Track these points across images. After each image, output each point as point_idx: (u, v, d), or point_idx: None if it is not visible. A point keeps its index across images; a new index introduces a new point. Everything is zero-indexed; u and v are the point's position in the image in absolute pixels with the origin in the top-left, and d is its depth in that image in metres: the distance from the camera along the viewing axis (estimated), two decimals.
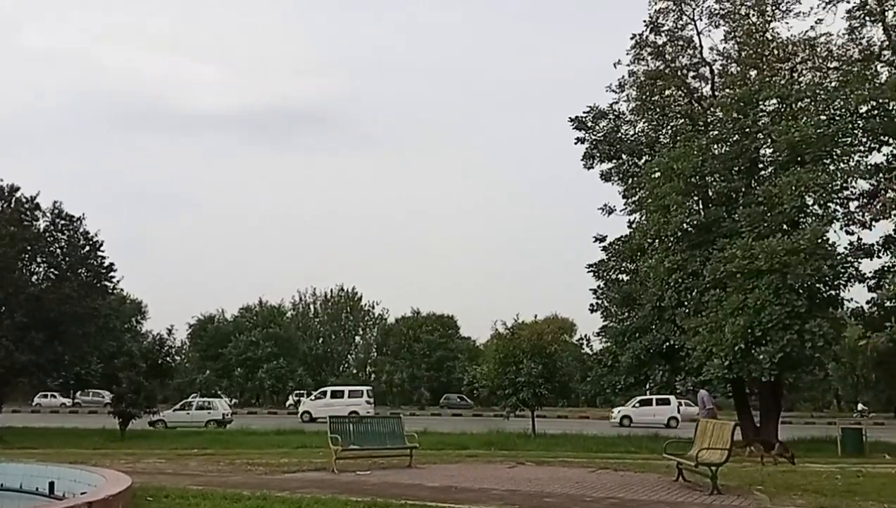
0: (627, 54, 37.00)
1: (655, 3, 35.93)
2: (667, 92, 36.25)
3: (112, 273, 38.89)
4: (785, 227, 29.33)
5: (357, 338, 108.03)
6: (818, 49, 32.83)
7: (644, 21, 36.33)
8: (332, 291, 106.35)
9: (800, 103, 32.08)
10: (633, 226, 35.45)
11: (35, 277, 37.57)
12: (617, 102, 37.20)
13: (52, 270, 37.63)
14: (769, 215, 29.39)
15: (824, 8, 32.41)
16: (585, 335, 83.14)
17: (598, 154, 37.14)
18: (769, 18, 34.12)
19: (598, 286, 36.72)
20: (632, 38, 36.60)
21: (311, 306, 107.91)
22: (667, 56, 36.38)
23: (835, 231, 29.99)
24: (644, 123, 36.73)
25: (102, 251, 38.12)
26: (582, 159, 37.41)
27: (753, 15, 34.48)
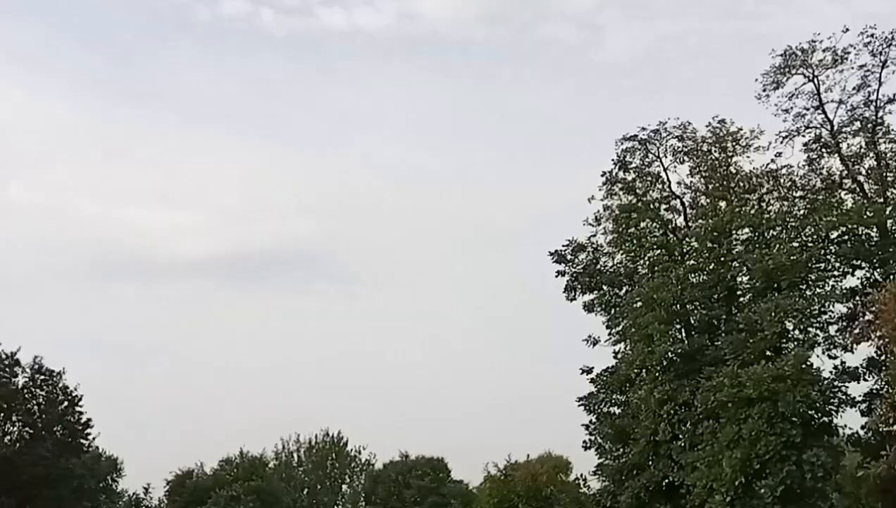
0: (600, 190, 38.34)
1: (622, 143, 37.59)
2: (642, 224, 37.31)
3: (88, 429, 37.87)
4: (768, 353, 29.51)
5: (344, 487, 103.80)
6: (782, 180, 34.34)
7: (612, 159, 37.91)
8: (316, 436, 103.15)
9: (771, 232, 33.16)
10: (619, 356, 35.43)
11: (8, 437, 36.40)
12: (594, 235, 38.24)
13: (26, 429, 36.57)
14: (751, 341, 29.64)
15: (782, 142, 34.22)
16: (582, 474, 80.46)
17: (580, 286, 37.71)
18: (731, 154, 35.83)
19: (591, 421, 36.24)
20: (602, 176, 38.04)
21: (295, 455, 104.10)
22: (637, 190, 37.74)
23: (818, 356, 30.23)
24: (622, 254, 37.56)
25: (80, 406, 37.32)
26: (564, 292, 37.93)
27: (715, 151, 36.23)
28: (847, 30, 32.53)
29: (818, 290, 30.97)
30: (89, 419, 37.82)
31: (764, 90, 34.02)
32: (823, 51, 33.05)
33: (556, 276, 38.07)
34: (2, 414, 36.26)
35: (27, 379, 37.43)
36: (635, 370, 34.03)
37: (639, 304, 33.59)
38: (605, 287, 37.47)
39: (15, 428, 36.62)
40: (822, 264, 31.80)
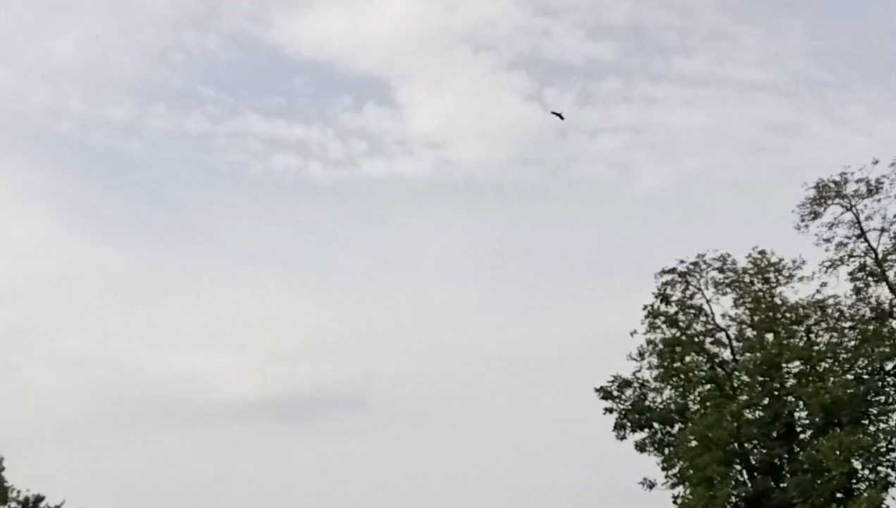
0: (642, 324, 38.09)
1: (662, 276, 37.69)
2: (687, 358, 36.84)
3: None
4: (839, 495, 28.35)
5: None
6: (829, 310, 34.04)
7: (653, 292, 37.89)
8: None
9: (823, 364, 32.56)
10: (679, 502, 34.07)
11: None
12: (639, 371, 37.72)
13: None
14: (819, 483, 28.60)
15: (826, 272, 34.13)
16: None
17: (629, 424, 36.87)
18: (774, 285, 35.75)
19: None
20: (644, 309, 37.91)
21: None
22: (681, 324, 37.47)
23: (893, 497, 28.89)
24: (671, 389, 36.90)
25: None
26: (613, 430, 37.08)
27: (758, 282, 36.18)
28: (877, 162, 33.13)
29: (882, 425, 30.06)
30: None
31: (802, 220, 34.29)
32: (857, 182, 33.53)
33: (604, 413, 37.36)
34: None
35: None
36: None
37: (694, 443, 32.67)
38: (655, 425, 36.61)
39: None
40: (882, 398, 30.99)
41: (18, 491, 36.76)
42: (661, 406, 36.90)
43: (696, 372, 36.84)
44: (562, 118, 42.04)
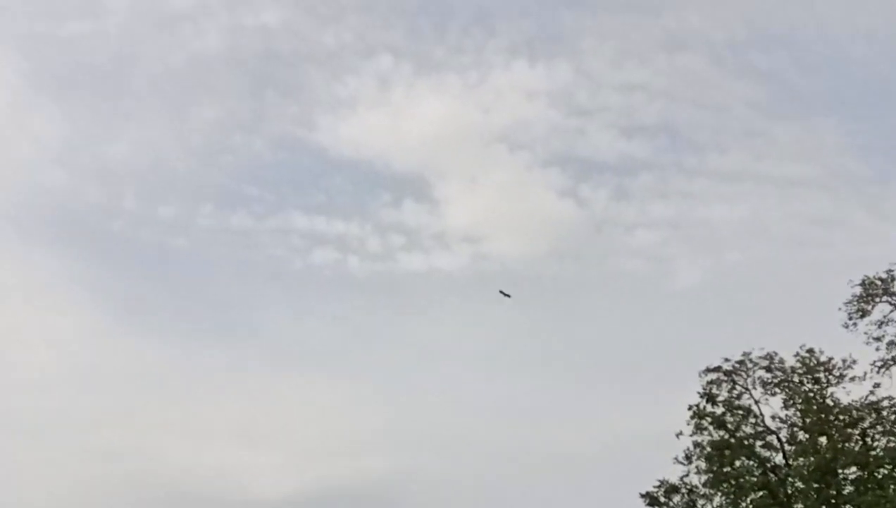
0: (688, 424, 36.97)
1: (707, 375, 36.81)
2: (737, 463, 35.46)
3: None
4: None
5: None
6: (885, 413, 32.75)
7: (698, 392, 36.95)
8: None
9: (882, 470, 31.06)
10: None
11: None
12: (687, 475, 36.29)
13: None
14: None
15: (878, 372, 33.05)
16: None
17: None
18: (825, 385, 34.65)
19: None
20: (689, 409, 36.88)
21: None
22: (729, 425, 36.29)
23: None
24: (721, 496, 35.39)
25: None
26: None
27: (808, 382, 35.11)
28: None
29: None
30: None
31: (850, 318, 33.54)
32: None
33: None
34: None
35: None
36: None
37: None
38: None
39: None
40: None
41: None
42: None
43: (747, 478, 35.32)
44: (508, 296, 45.64)
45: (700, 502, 35.75)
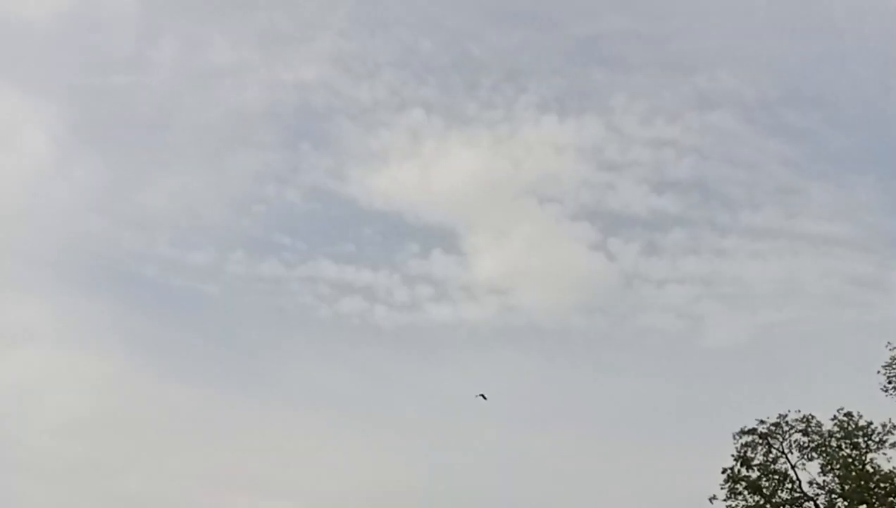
0: (721, 488, 36.03)
1: (741, 437, 36.05)
2: None
3: None
4: None
5: None
6: None
7: (732, 455, 36.12)
8: None
9: None
10: None
11: None
12: None
13: None
14: None
15: None
16: None
17: None
18: (864, 450, 33.70)
19: None
20: (723, 473, 36.02)
21: None
22: (764, 490, 35.31)
23: None
24: None
25: None
26: None
27: (846, 447, 34.16)
28: None
29: None
30: None
31: (889, 382, 32.83)
32: None
33: None
34: None
35: None
36: None
37: None
38: None
39: None
40: None
41: None
42: None
43: None
44: (484, 398, 46.34)
45: None
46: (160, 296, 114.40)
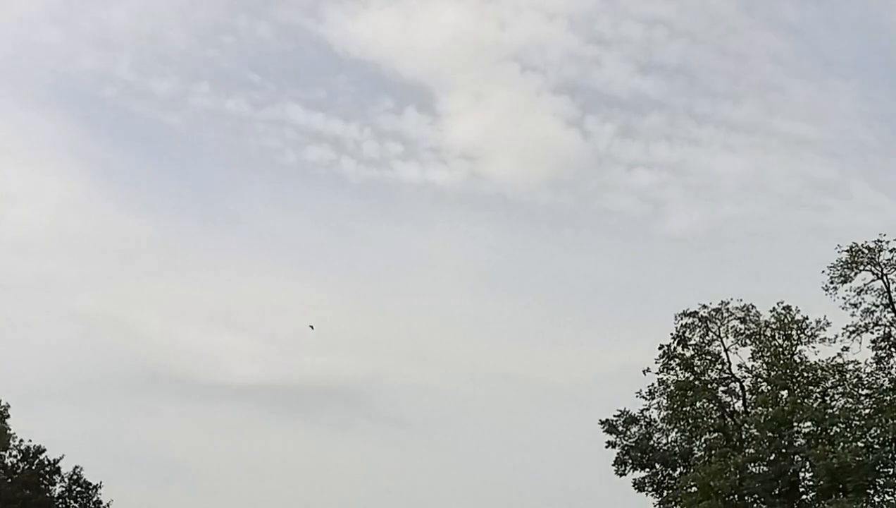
0: (656, 363, 37.87)
1: (682, 319, 37.50)
2: (698, 404, 36.62)
3: None
4: None
5: None
6: (848, 376, 33.68)
7: (671, 333, 37.70)
8: None
9: (835, 428, 32.24)
10: None
11: None
12: (648, 409, 37.56)
13: None
14: None
15: (849, 336, 33.79)
16: None
17: (631, 461, 36.74)
18: (795, 342, 35.47)
19: None
20: (660, 349, 37.70)
21: None
22: (696, 368, 37.25)
23: None
24: (677, 432, 36.73)
25: None
26: (613, 465, 36.96)
27: (779, 337, 35.90)
28: None
29: (888, 497, 29.67)
30: None
31: (831, 282, 33.96)
32: (891, 251, 33.23)
33: (607, 447, 37.27)
34: None
35: (64, 489, 37.27)
36: None
37: (694, 489, 32.44)
38: (657, 465, 36.47)
39: None
40: (891, 469, 30.60)
41: (21, 440, 37.46)
42: (666, 448, 36.73)
43: (704, 419, 36.61)
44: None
45: (656, 436, 37.09)
46: (120, 121, 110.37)
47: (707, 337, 37.13)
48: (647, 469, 36.58)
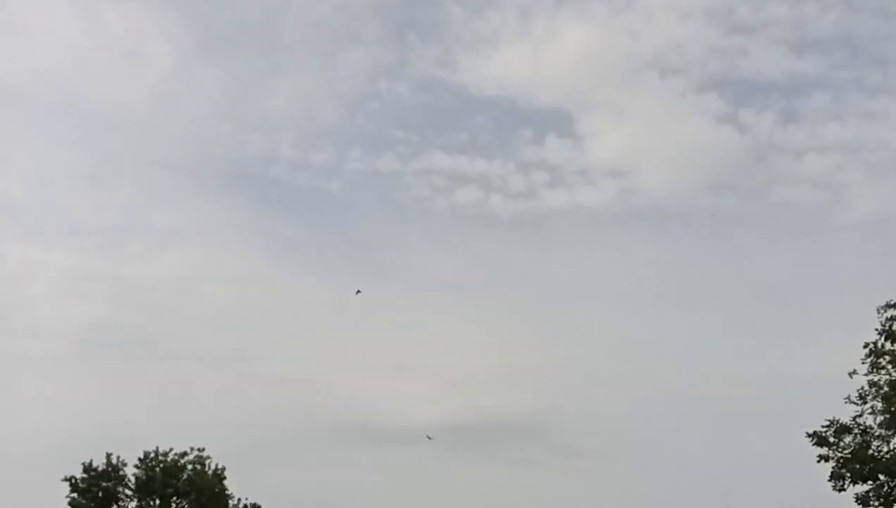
0: (863, 363, 34.57)
1: (886, 311, 34.09)
2: None
3: None
4: None
5: None
6: None
7: (876, 329, 34.33)
8: None
9: None
10: None
11: None
12: (861, 416, 34.10)
13: None
14: None
15: None
16: None
17: (849, 474, 33.41)
18: None
19: None
20: (865, 347, 34.42)
21: None
22: None
23: None
24: None
25: None
26: (830, 480, 33.83)
27: None
28: None
29: None
30: None
31: None
32: None
33: (818, 461, 34.12)
34: None
35: None
36: None
37: None
38: (881, 476, 32.88)
39: None
40: None
41: (239, 500, 40.18)
42: (889, 456, 33.09)
43: None
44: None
45: (875, 444, 33.57)
46: (287, 196, 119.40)
47: None
48: (871, 482, 33.08)
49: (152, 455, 45.70)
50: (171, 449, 45.99)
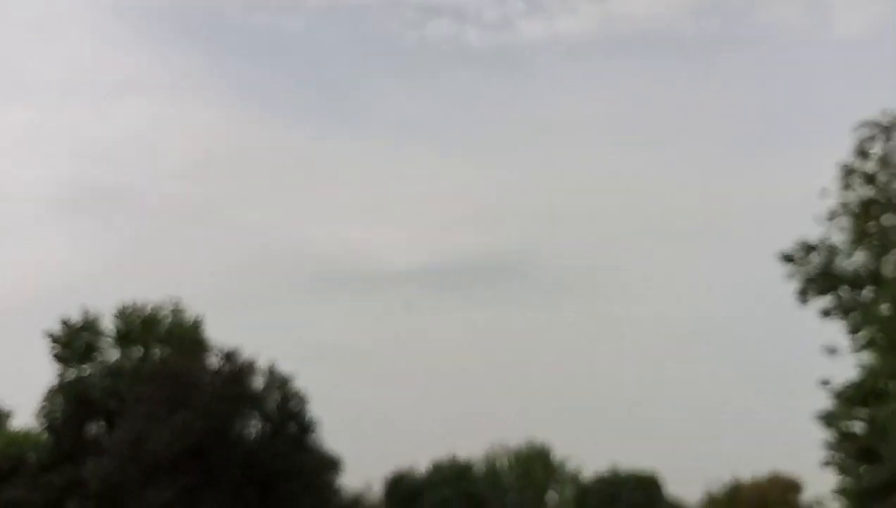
0: (835, 183, 34.81)
1: (861, 130, 33.95)
2: (884, 220, 33.37)
3: (315, 429, 40.68)
4: None
5: (549, 495, 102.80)
6: None
7: (851, 150, 34.33)
8: (521, 447, 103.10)
9: None
10: (864, 368, 31.92)
11: (254, 431, 40.17)
12: (828, 234, 34.76)
13: (268, 423, 40.02)
14: None
15: None
16: (818, 499, 73.15)
17: (814, 289, 34.56)
18: None
19: (831, 440, 33.01)
20: (839, 168, 34.56)
21: (498, 462, 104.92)
22: (879, 182, 33.84)
23: None
24: (862, 252, 33.85)
25: (309, 407, 40.27)
26: (796, 294, 34.98)
27: None
28: None
29: None
30: (315, 420, 40.58)
31: None
32: None
33: (787, 279, 35.16)
34: (245, 411, 39.80)
35: (264, 382, 40.88)
36: (882, 383, 30.47)
37: (886, 310, 30.00)
38: (842, 290, 33.97)
39: (257, 425, 40.17)
40: None
41: (218, 348, 41.59)
42: (852, 271, 34.04)
43: (892, 235, 33.37)
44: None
45: (839, 260, 34.45)
46: (244, 37, 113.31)
47: (891, 143, 33.42)
48: (833, 295, 34.25)
49: (130, 308, 46.78)
50: (148, 302, 46.91)
